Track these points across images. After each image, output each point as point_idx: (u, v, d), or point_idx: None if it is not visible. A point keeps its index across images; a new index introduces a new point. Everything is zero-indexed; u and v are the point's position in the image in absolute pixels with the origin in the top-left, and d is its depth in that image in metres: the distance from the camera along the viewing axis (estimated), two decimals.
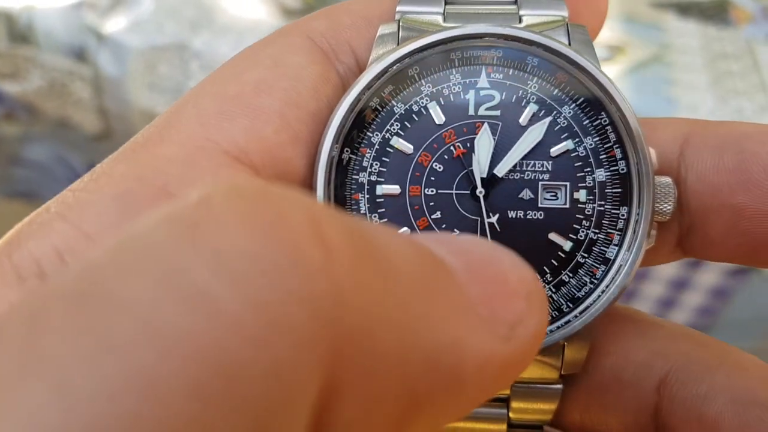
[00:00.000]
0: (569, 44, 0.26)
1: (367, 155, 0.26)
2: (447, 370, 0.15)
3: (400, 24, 0.26)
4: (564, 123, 0.26)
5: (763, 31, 0.69)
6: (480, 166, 0.25)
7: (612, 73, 0.59)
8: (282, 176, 0.23)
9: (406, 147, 0.26)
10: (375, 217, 0.26)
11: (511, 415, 0.26)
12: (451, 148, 0.26)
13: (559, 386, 0.26)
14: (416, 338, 0.15)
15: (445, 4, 0.26)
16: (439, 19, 0.26)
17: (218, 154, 0.22)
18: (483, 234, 0.25)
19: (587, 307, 0.25)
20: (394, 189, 0.26)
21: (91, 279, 0.13)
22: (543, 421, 0.26)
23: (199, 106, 0.23)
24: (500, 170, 0.26)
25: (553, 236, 0.26)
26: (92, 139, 0.69)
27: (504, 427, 0.26)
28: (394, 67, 0.25)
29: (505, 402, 0.26)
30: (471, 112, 0.26)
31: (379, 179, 0.26)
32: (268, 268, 0.13)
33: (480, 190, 0.26)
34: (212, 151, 0.21)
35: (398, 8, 0.26)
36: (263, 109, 0.23)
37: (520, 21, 0.26)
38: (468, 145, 0.26)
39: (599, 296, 0.25)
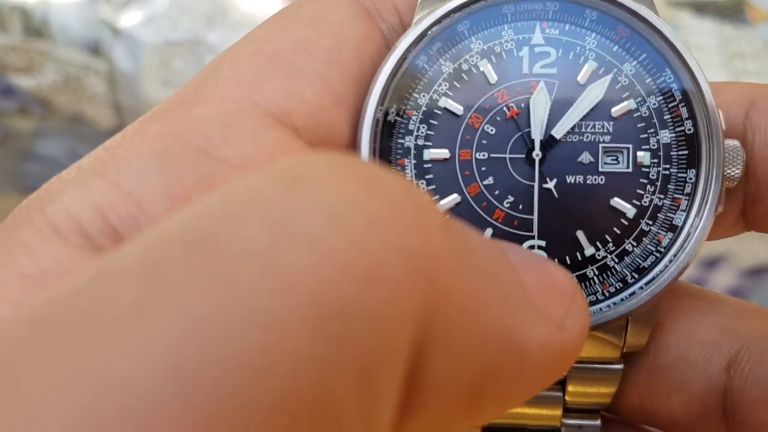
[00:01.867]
0: None
1: (414, 117, 0.24)
2: (515, 349, 0.17)
3: None
4: (625, 81, 0.25)
5: None
6: (535, 128, 0.24)
7: None
8: (325, 141, 0.22)
9: (456, 108, 0.25)
10: (423, 183, 0.24)
11: (567, 398, 0.25)
12: (504, 108, 0.25)
13: (620, 366, 0.25)
14: (491, 310, 0.16)
15: None
16: None
17: (258, 115, 0.21)
18: (539, 200, 0.24)
19: (654, 278, 0.24)
20: (442, 153, 0.25)
21: (206, 224, 0.13)
22: (601, 405, 0.25)
23: (236, 66, 0.22)
24: (558, 132, 0.24)
25: (616, 202, 0.24)
26: (106, 135, 0.69)
27: (559, 412, 0.25)
28: (442, 23, 0.24)
29: (560, 384, 0.25)
30: (525, 70, 0.25)
31: (426, 143, 0.24)
32: (371, 218, 0.14)
33: (537, 153, 0.24)
34: (252, 112, 0.21)
35: None
36: (304, 69, 0.22)
37: None
38: (522, 105, 0.24)
39: (667, 266, 0.24)
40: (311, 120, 0.22)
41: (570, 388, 0.25)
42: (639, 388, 0.25)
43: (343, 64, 0.23)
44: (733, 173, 0.24)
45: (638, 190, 0.25)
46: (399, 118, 0.24)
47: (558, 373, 0.19)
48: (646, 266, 0.24)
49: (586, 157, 0.25)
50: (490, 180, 0.25)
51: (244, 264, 0.13)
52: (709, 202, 0.24)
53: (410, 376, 0.14)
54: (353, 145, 0.23)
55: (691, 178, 0.24)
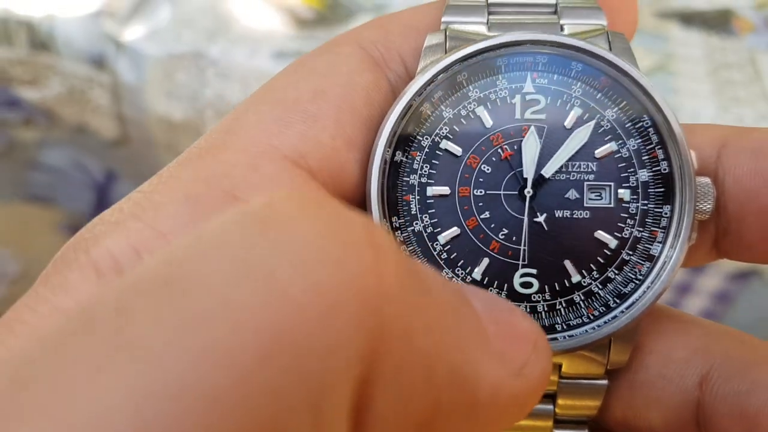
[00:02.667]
0: (610, 50, 0.27)
1: (417, 158, 0.27)
2: (465, 388, 0.17)
3: (447, 34, 0.27)
4: (608, 125, 0.27)
5: (765, 40, 0.70)
6: (527, 167, 0.26)
7: None
8: (336, 179, 0.24)
9: (456, 149, 0.27)
10: (426, 217, 0.27)
11: (557, 410, 0.27)
12: (499, 150, 0.27)
13: (605, 382, 0.27)
14: (442, 350, 0.17)
15: (489, 14, 0.28)
16: (484, 29, 0.27)
17: (279, 158, 0.23)
18: (530, 232, 0.26)
19: (633, 303, 0.26)
20: (443, 190, 0.27)
21: (171, 267, 0.14)
22: (588, 417, 0.27)
23: (260, 113, 0.24)
24: (547, 171, 0.27)
25: (599, 234, 0.27)
26: (110, 145, 0.70)
27: (550, 423, 0.27)
28: (443, 74, 0.26)
29: (551, 398, 0.27)
30: (518, 115, 0.27)
31: (429, 181, 0.27)
32: (329, 259, 0.15)
33: (528, 190, 0.26)
34: (273, 156, 0.23)
35: (444, 18, 0.27)
36: (320, 115, 0.24)
37: (562, 30, 0.27)
38: (515, 147, 0.27)
39: (645, 292, 0.26)
40: (325, 162, 0.24)
41: (560, 401, 0.27)
42: (622, 402, 0.27)
43: (355, 109, 0.25)
44: (704, 207, 0.26)
45: (619, 224, 0.27)
46: (404, 159, 0.27)
47: (513, 417, 0.20)
48: (627, 292, 0.27)
49: (572, 194, 0.27)
50: (486, 214, 0.27)
51: (202, 303, 0.14)
52: (682, 235, 0.26)
53: (357, 409, 0.15)
54: (362, 182, 0.26)
55: (666, 213, 0.27)
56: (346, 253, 0.15)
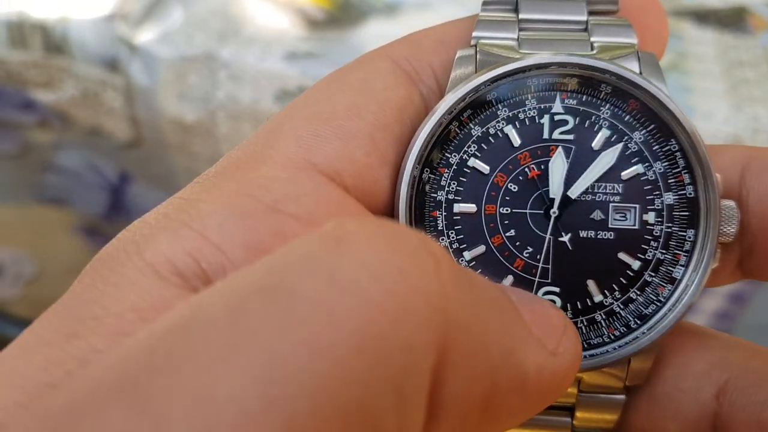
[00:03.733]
0: (640, 71, 0.27)
1: (445, 175, 0.27)
2: (516, 369, 0.20)
3: (477, 49, 0.27)
4: (635, 148, 0.27)
5: None
6: (553, 187, 0.27)
7: None
8: (368, 195, 0.25)
9: (483, 167, 0.27)
10: (452, 233, 0.27)
11: (575, 422, 0.27)
12: (526, 169, 0.27)
13: (623, 396, 0.27)
14: (494, 337, 0.20)
15: (519, 30, 0.28)
16: (514, 44, 0.27)
17: (316, 174, 0.24)
18: (555, 251, 0.27)
19: (654, 325, 0.26)
20: (470, 207, 0.27)
21: (274, 276, 0.17)
22: (606, 430, 0.28)
23: (296, 127, 0.25)
24: (573, 192, 0.27)
25: (623, 255, 0.27)
26: (123, 147, 0.71)
27: None
28: (473, 95, 0.26)
29: (569, 411, 0.27)
30: (546, 135, 0.27)
31: (456, 198, 0.27)
32: (398, 269, 0.18)
33: (554, 210, 0.27)
34: (311, 172, 0.24)
35: (474, 34, 0.27)
36: (355, 132, 0.25)
37: (592, 47, 0.27)
38: (542, 167, 0.27)
39: (666, 314, 0.26)
40: (359, 178, 0.25)
41: (578, 413, 0.27)
42: (640, 414, 0.27)
43: (388, 125, 0.25)
44: (728, 231, 0.26)
45: (643, 246, 0.27)
46: (432, 176, 0.27)
47: (554, 393, 0.22)
48: (648, 313, 0.27)
49: (597, 215, 0.27)
50: (512, 232, 0.27)
51: (303, 308, 0.16)
52: (705, 259, 0.26)
53: (432, 393, 0.18)
54: (392, 196, 0.26)
55: (690, 237, 0.27)
56: (411, 263, 0.18)
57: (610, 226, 0.27)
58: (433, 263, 0.18)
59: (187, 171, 0.69)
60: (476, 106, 0.27)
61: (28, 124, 0.71)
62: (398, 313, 0.17)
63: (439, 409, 0.18)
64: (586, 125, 0.27)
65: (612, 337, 0.27)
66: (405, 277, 0.17)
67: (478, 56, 0.27)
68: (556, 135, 0.27)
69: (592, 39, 0.27)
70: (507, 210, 0.27)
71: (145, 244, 0.22)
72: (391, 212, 0.26)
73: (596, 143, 0.27)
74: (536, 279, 0.27)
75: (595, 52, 0.27)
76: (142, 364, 0.16)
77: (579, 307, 0.27)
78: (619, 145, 0.27)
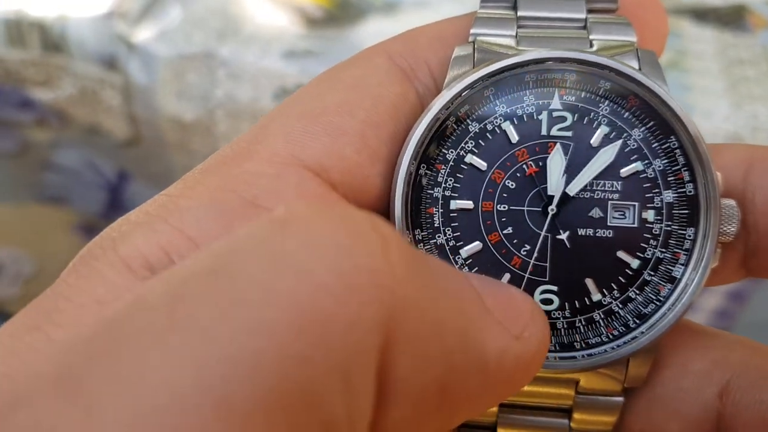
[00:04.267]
0: (639, 68, 0.26)
1: (442, 171, 0.27)
2: (474, 351, 0.20)
3: (475, 46, 0.27)
4: (634, 145, 0.26)
5: None
6: (551, 184, 0.26)
7: None
8: (358, 192, 0.25)
9: (480, 164, 0.27)
10: (448, 230, 0.27)
11: (572, 425, 0.27)
12: (524, 166, 0.27)
13: (621, 399, 0.27)
14: (448, 318, 0.19)
15: (518, 27, 0.27)
16: (512, 42, 0.27)
17: (302, 170, 0.24)
18: (552, 249, 0.26)
19: (653, 324, 0.26)
20: (467, 204, 0.27)
21: (217, 260, 0.17)
22: None
23: (285, 124, 0.25)
24: (571, 189, 0.26)
25: (621, 254, 0.26)
26: (122, 145, 0.71)
27: None
28: (470, 90, 0.26)
29: (567, 413, 0.27)
30: (544, 132, 0.26)
31: (453, 194, 0.27)
32: (343, 247, 0.17)
33: (552, 208, 0.26)
34: (297, 168, 0.24)
35: (472, 30, 0.27)
36: (345, 129, 0.24)
37: (591, 45, 0.27)
38: (540, 164, 0.26)
39: (665, 314, 0.26)
40: (348, 175, 0.24)
41: (576, 416, 0.27)
42: (640, 416, 0.27)
43: (381, 123, 0.25)
44: (728, 230, 0.26)
45: (642, 244, 0.26)
46: (429, 172, 0.27)
47: (521, 378, 0.22)
48: (647, 313, 0.26)
49: (596, 213, 0.26)
50: (509, 230, 0.27)
51: (243, 289, 0.16)
52: (705, 258, 0.26)
53: (381, 374, 0.17)
54: (385, 195, 0.26)
55: (690, 236, 0.26)
56: (357, 242, 0.18)
57: (608, 224, 0.26)
58: (380, 242, 0.18)
59: (185, 169, 0.69)
60: (473, 101, 0.27)
61: (27, 122, 0.71)
62: (342, 291, 0.17)
63: (390, 391, 0.18)
64: (584, 122, 0.26)
65: (610, 336, 0.26)
66: (350, 255, 0.17)
67: (476, 54, 0.26)
68: (554, 131, 0.27)
69: (591, 37, 0.27)
70: (504, 207, 0.26)
71: (121, 240, 0.22)
72: (384, 209, 0.26)
73: (595, 140, 0.26)
74: (533, 277, 0.26)
75: (594, 49, 0.27)
76: (80, 353, 0.16)
77: (577, 306, 0.26)
78: (618, 142, 0.26)
